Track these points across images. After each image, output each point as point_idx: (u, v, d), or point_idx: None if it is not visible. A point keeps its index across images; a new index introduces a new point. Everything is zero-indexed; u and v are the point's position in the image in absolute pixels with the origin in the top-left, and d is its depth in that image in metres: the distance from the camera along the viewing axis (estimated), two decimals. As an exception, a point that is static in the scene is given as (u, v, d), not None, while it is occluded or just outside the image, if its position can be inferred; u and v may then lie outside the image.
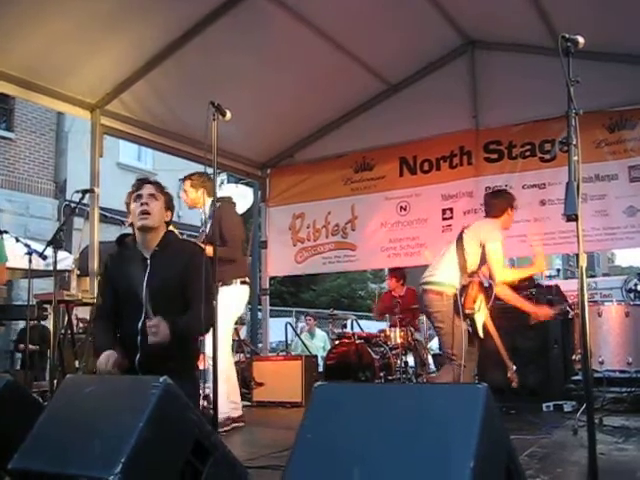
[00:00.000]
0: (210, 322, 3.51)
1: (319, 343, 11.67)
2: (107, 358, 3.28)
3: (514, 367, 5.08)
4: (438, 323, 4.89)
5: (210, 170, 3.93)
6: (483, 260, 4.90)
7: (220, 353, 5.19)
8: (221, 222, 5.29)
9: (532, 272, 5.37)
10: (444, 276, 4.88)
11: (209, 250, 5.03)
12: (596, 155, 6.62)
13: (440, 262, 5.02)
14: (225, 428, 5.10)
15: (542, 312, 5.12)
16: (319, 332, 12.22)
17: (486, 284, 4.96)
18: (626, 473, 3.49)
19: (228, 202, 5.59)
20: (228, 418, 5.20)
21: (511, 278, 5.01)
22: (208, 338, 5.23)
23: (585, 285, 2.48)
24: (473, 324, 4.80)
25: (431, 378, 7.54)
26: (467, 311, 4.73)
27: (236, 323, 9.02)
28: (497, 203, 5.11)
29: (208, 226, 5.28)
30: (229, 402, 5.39)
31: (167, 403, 2.40)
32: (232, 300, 5.32)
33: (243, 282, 5.43)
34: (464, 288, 4.78)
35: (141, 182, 3.58)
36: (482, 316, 4.84)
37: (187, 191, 5.51)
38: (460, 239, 4.98)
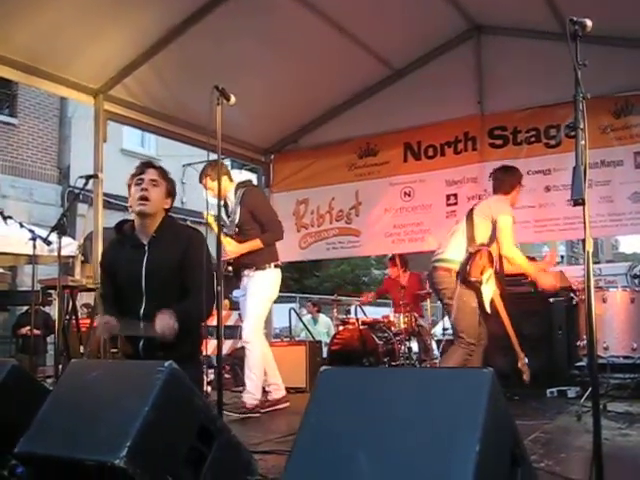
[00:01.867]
0: (211, 308, 3.51)
1: (322, 329, 11.68)
2: (102, 324, 3.33)
3: (526, 359, 5.01)
4: (447, 300, 4.88)
5: (214, 156, 3.92)
6: (493, 237, 4.86)
7: (254, 337, 5.25)
8: (254, 209, 5.27)
9: (540, 268, 5.27)
10: (453, 253, 4.87)
11: (256, 243, 5.18)
12: (602, 141, 6.57)
13: (450, 240, 5.01)
14: (252, 414, 5.17)
15: (547, 281, 5.08)
16: (322, 318, 12.24)
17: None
18: (630, 458, 3.50)
19: (252, 186, 5.53)
20: (258, 404, 5.26)
21: (517, 257, 4.93)
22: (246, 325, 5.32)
23: (591, 270, 2.46)
24: (479, 296, 4.74)
25: (433, 364, 7.56)
26: (472, 278, 4.67)
27: (239, 309, 9.09)
28: (508, 179, 5.11)
29: (237, 215, 5.25)
30: (270, 385, 5.50)
31: (172, 388, 2.40)
32: (266, 284, 5.37)
33: (276, 265, 5.44)
34: (472, 255, 4.73)
35: (144, 166, 3.55)
36: (490, 290, 4.77)
37: (212, 189, 5.14)
38: (470, 215, 4.98)
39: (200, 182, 5.37)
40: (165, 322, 3.19)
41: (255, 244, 5.23)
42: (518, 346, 5.02)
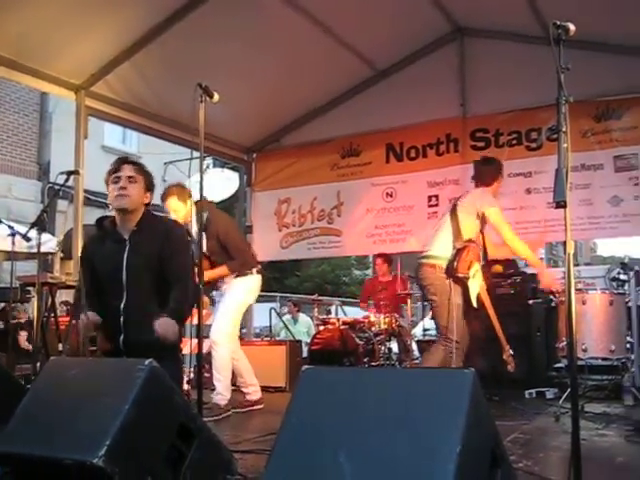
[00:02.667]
0: (194, 300, 3.50)
1: (302, 328, 11.66)
2: (83, 324, 3.30)
3: (511, 351, 5.03)
4: (431, 296, 4.89)
5: (196, 154, 3.90)
6: (481, 231, 4.89)
7: (221, 339, 5.22)
8: (218, 236, 5.12)
9: (534, 260, 5.29)
10: (438, 250, 4.88)
11: (224, 270, 5.15)
12: (582, 144, 6.62)
13: (435, 237, 5.01)
14: (226, 414, 5.14)
15: (549, 279, 5.13)
16: (302, 317, 12.23)
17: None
18: (607, 459, 3.53)
19: (210, 206, 5.23)
20: (228, 403, 5.24)
21: (519, 248, 4.93)
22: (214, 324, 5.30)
23: (572, 272, 2.48)
24: (466, 291, 4.75)
25: (413, 364, 7.57)
26: (459, 274, 4.68)
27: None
28: (489, 170, 5.13)
29: (204, 243, 5.07)
30: (248, 386, 5.48)
31: (153, 386, 2.39)
32: (245, 289, 5.37)
33: (258, 271, 5.45)
34: (459, 251, 4.73)
35: (120, 162, 3.53)
36: (477, 286, 4.79)
37: (176, 210, 5.08)
38: (454, 211, 4.96)
39: (162, 202, 5.12)
40: (166, 325, 3.20)
41: (223, 271, 5.20)
42: (503, 338, 5.03)
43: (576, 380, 2.76)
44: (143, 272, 3.41)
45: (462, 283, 4.74)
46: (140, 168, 3.55)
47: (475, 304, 4.81)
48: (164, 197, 5.15)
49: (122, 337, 3.39)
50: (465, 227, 4.85)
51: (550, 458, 3.60)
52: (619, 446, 3.88)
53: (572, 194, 6.54)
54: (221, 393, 5.21)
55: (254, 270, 5.39)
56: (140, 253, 3.43)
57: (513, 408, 5.22)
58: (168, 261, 3.43)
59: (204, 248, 4.96)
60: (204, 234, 4.92)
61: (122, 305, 3.40)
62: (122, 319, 3.39)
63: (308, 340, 8.18)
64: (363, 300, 8.86)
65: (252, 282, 5.41)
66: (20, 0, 5.21)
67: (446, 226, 4.95)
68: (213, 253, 5.16)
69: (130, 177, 3.46)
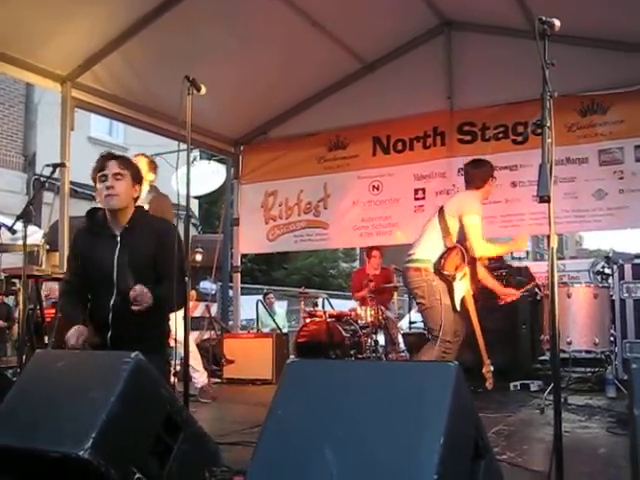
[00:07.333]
0: (183, 298, 3.48)
1: (279, 320, 11.69)
2: (77, 333, 3.24)
3: (491, 367, 5.03)
4: (419, 299, 4.88)
5: (183, 146, 3.88)
6: (462, 235, 4.84)
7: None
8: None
9: (513, 248, 5.30)
10: (424, 253, 4.85)
11: None
12: (567, 138, 6.66)
13: (421, 240, 4.98)
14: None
15: (509, 294, 5.16)
16: (279, 309, 12.30)
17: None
18: (588, 449, 3.57)
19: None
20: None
21: (491, 253, 4.92)
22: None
23: (555, 266, 2.51)
24: (451, 291, 4.73)
25: (400, 357, 7.61)
26: (445, 272, 4.68)
27: (206, 300, 9.05)
28: (479, 173, 5.05)
29: None
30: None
31: (138, 379, 2.40)
32: None
33: None
34: (448, 250, 4.73)
35: (105, 159, 3.46)
36: (462, 288, 4.78)
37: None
38: (442, 213, 4.93)
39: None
40: (143, 291, 3.18)
41: None
42: (485, 351, 5.02)
43: (559, 372, 2.79)
44: (133, 270, 3.38)
45: (447, 282, 4.74)
46: (125, 162, 3.50)
47: (458, 307, 4.80)
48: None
49: (110, 333, 3.38)
50: (453, 229, 4.84)
51: (534, 450, 3.63)
52: (601, 438, 3.92)
53: (557, 187, 6.61)
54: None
55: None
56: (132, 251, 3.40)
57: (498, 400, 5.26)
58: (160, 263, 3.40)
59: None
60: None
61: (111, 302, 3.38)
62: (111, 316, 3.37)
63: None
64: (356, 290, 8.77)
65: None
66: (5, -10, 5.17)
67: (432, 229, 4.92)
68: None
69: (116, 174, 3.41)
